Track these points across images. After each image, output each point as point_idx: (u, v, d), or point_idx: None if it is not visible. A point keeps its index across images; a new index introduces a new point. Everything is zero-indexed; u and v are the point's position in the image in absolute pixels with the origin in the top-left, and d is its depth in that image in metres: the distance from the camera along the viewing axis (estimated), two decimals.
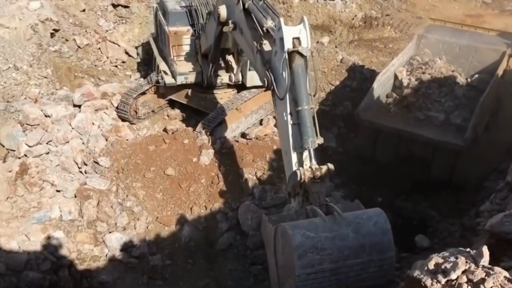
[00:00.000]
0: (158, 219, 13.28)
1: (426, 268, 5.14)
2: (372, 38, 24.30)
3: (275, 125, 16.10)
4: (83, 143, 14.74)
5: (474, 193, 14.86)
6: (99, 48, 20.26)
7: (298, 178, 7.97)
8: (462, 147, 15.31)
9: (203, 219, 13.33)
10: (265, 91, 10.00)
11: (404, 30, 24.77)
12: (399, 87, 18.34)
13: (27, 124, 14.44)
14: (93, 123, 15.46)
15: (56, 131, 14.52)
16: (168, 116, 17.94)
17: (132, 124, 16.82)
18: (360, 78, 20.33)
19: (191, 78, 16.51)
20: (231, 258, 12.77)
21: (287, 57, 8.28)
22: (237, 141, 15.31)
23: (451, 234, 13.20)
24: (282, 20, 8.59)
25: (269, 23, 9.37)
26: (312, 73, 9.21)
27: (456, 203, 15.03)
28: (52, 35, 18.69)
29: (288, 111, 8.48)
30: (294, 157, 8.48)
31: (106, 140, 15.05)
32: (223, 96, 17.23)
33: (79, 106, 16.03)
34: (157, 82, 17.15)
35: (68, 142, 14.50)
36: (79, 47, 19.55)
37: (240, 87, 17.05)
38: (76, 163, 14.18)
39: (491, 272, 4.79)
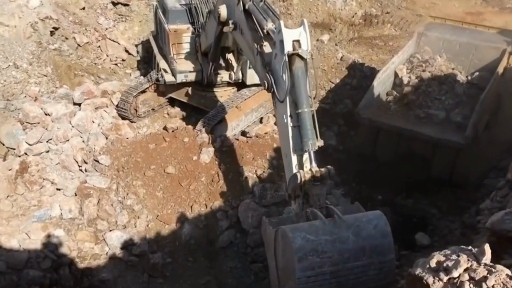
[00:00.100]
0: (158, 217, 13.29)
1: (428, 266, 5.14)
2: (372, 36, 24.27)
3: (275, 123, 16.09)
4: (83, 142, 14.74)
5: (474, 191, 14.87)
6: (99, 46, 20.25)
7: (298, 181, 7.96)
8: (463, 145, 15.32)
9: (204, 217, 13.34)
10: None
11: (404, 28, 24.72)
12: (399, 85, 18.34)
13: (27, 122, 14.43)
14: (93, 121, 15.45)
15: (56, 130, 14.52)
16: (168, 114, 17.94)
17: (132, 122, 16.82)
18: (360, 76, 20.32)
19: (191, 76, 16.50)
20: (231, 256, 12.77)
21: (287, 59, 8.28)
22: (237, 139, 15.31)
23: (451, 232, 13.21)
24: (282, 22, 8.57)
25: (269, 25, 9.34)
26: (312, 71, 9.19)
27: (456, 201, 15.05)
28: (52, 33, 18.67)
29: (288, 113, 8.47)
30: (294, 159, 8.48)
31: (106, 138, 15.04)
32: (223, 94, 17.21)
33: (79, 104, 16.02)
34: (157, 80, 17.14)
35: (68, 140, 14.50)
36: (79, 45, 19.54)
37: (240, 85, 17.04)
38: (76, 162, 14.18)
39: (493, 270, 4.79)
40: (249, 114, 16.76)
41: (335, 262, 6.52)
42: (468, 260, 4.95)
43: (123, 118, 16.70)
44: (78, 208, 13.11)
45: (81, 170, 14.17)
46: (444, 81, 17.78)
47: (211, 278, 12.41)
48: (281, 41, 8.36)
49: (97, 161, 14.16)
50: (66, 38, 19.21)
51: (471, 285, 4.75)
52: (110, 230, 12.88)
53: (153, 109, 17.70)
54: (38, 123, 14.49)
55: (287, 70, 8.27)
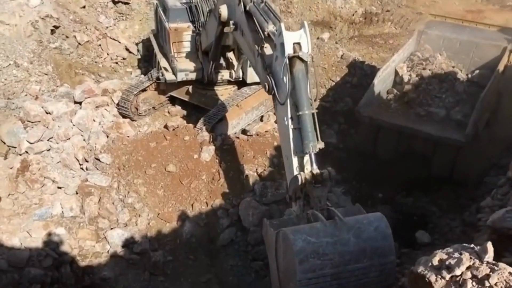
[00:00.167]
0: (159, 215, 13.31)
1: (430, 264, 5.15)
2: (373, 34, 24.29)
3: (275, 122, 16.09)
4: (84, 140, 14.75)
5: (474, 189, 14.89)
6: (100, 45, 20.25)
7: (299, 183, 7.97)
8: (463, 143, 15.33)
9: (204, 215, 13.36)
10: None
11: (404, 26, 24.74)
12: (399, 83, 18.35)
13: (28, 121, 14.43)
14: (94, 120, 15.46)
15: (57, 128, 14.53)
16: (169, 112, 17.94)
17: (133, 120, 16.82)
18: (360, 74, 20.33)
19: (192, 75, 16.49)
20: (232, 254, 12.79)
21: (287, 62, 8.29)
22: (237, 138, 15.32)
23: (452, 230, 13.24)
24: (283, 25, 8.57)
25: (270, 28, 9.33)
26: (312, 69, 9.19)
27: (457, 199, 15.07)
28: (52, 32, 18.67)
29: (289, 115, 8.48)
30: (295, 161, 8.49)
31: (107, 136, 15.06)
32: (223, 92, 17.20)
33: (80, 103, 16.02)
34: (158, 78, 17.12)
35: (69, 139, 14.51)
36: (79, 43, 19.54)
37: (241, 83, 17.03)
38: (77, 160, 14.20)
39: (496, 268, 4.79)
40: (250, 113, 16.76)
41: (336, 264, 6.53)
42: (471, 258, 4.95)
43: (124, 116, 16.71)
44: (79, 206, 13.13)
45: (82, 168, 14.20)
46: (445, 79, 17.79)
47: (212, 276, 12.43)
48: (282, 44, 8.36)
49: (98, 159, 14.18)
50: (67, 37, 19.21)
51: (474, 283, 4.75)
52: (111, 228, 12.90)
53: (153, 108, 17.69)
54: (39, 121, 14.48)
55: (287, 72, 8.27)
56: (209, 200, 13.58)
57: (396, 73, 18.53)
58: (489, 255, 5.03)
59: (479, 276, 4.80)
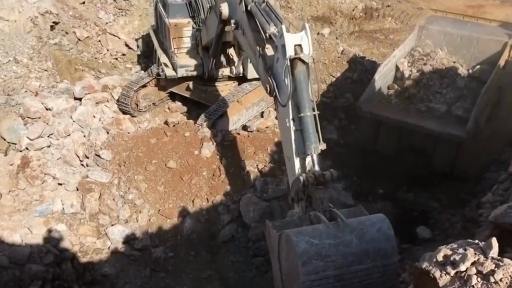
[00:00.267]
0: (160, 211, 13.31)
1: (434, 260, 5.13)
2: (373, 29, 24.21)
3: (276, 117, 16.07)
4: (84, 136, 14.73)
5: (475, 184, 14.88)
6: (99, 41, 20.20)
7: (302, 184, 7.96)
8: (464, 138, 15.33)
9: (205, 212, 13.36)
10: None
11: (405, 21, 24.67)
12: (400, 79, 18.33)
13: (28, 117, 14.41)
14: (94, 116, 15.43)
15: (57, 124, 14.51)
16: (169, 108, 17.90)
17: (133, 117, 16.79)
18: (361, 69, 20.28)
19: (192, 71, 16.45)
20: (233, 250, 12.81)
21: (289, 64, 8.26)
22: (238, 134, 15.30)
23: (453, 225, 13.23)
24: (284, 27, 8.53)
25: (271, 29, 9.29)
26: (314, 65, 9.15)
27: (457, 194, 15.06)
28: (52, 27, 18.63)
29: (291, 117, 8.46)
30: (297, 162, 8.47)
31: (107, 133, 15.03)
32: (224, 88, 17.17)
33: (80, 99, 16.00)
34: (158, 74, 17.10)
35: (69, 135, 14.49)
36: (79, 39, 19.49)
37: (241, 79, 17.00)
38: (78, 156, 14.18)
39: (501, 263, 4.78)
40: (250, 108, 16.73)
41: (339, 266, 6.53)
42: (475, 253, 4.94)
43: (124, 112, 16.68)
44: (79, 202, 13.13)
45: (82, 164, 14.18)
46: (445, 74, 17.77)
47: (213, 272, 12.45)
48: (283, 46, 8.34)
49: (98, 155, 14.16)
50: (66, 33, 19.16)
51: (479, 279, 4.74)
52: (112, 225, 12.91)
53: (154, 104, 17.66)
54: (39, 118, 14.46)
55: (289, 74, 8.25)
56: (210, 196, 13.57)
57: (397, 68, 18.50)
58: (494, 251, 5.02)
59: (484, 272, 4.79)
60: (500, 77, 17.51)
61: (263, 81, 9.72)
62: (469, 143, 15.52)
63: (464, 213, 13.40)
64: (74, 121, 14.90)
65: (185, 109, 17.74)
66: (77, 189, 13.42)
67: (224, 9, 12.23)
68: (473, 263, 4.89)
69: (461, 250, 5.03)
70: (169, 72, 16.57)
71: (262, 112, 17.30)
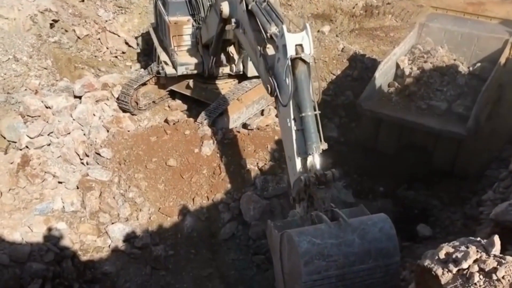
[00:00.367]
0: (160, 210, 13.31)
1: (436, 257, 5.12)
2: (373, 27, 24.16)
3: (276, 115, 16.05)
4: (84, 135, 14.72)
5: (475, 182, 14.88)
6: (99, 39, 20.16)
7: (303, 184, 7.95)
8: (464, 136, 15.31)
9: (205, 210, 13.36)
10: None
11: (405, 19, 24.62)
12: (400, 76, 18.30)
13: (28, 115, 14.40)
14: (94, 114, 15.41)
15: (57, 123, 14.49)
16: (169, 107, 17.88)
17: (133, 115, 16.77)
18: (361, 67, 20.25)
19: (192, 69, 16.42)
20: (233, 248, 12.82)
21: (290, 64, 8.25)
22: (238, 132, 15.29)
23: (453, 223, 13.24)
24: (285, 27, 8.50)
25: (272, 29, 9.25)
26: (315, 68, 9.13)
27: (458, 192, 15.06)
28: (51, 25, 18.58)
29: (292, 117, 8.43)
30: (298, 162, 8.43)
31: (108, 131, 15.02)
32: (224, 86, 17.15)
33: (80, 97, 15.97)
34: (158, 72, 17.05)
35: (69, 133, 14.48)
36: (78, 37, 19.46)
37: (241, 77, 16.98)
38: (78, 155, 14.18)
39: (503, 261, 4.78)
40: (250, 106, 16.71)
41: (341, 266, 6.52)
42: (478, 251, 4.93)
43: (124, 111, 16.66)
44: (80, 201, 13.13)
45: (82, 163, 14.17)
46: (446, 72, 17.74)
47: (213, 270, 12.46)
48: (284, 46, 8.31)
49: (98, 154, 14.16)
50: (66, 31, 19.12)
51: (481, 276, 4.73)
52: (112, 223, 12.91)
53: (154, 102, 17.64)
54: (39, 116, 14.45)
55: (290, 74, 8.23)
56: (210, 194, 13.57)
57: (397, 66, 18.47)
58: (496, 248, 5.00)
59: (486, 270, 4.78)
60: (500, 74, 17.49)
61: (264, 81, 9.70)
62: (470, 141, 15.50)
63: (464, 211, 13.40)
64: (74, 119, 14.89)
65: (185, 107, 17.72)
66: (77, 188, 13.42)
67: (225, 8, 12.18)
68: (475, 261, 4.88)
69: (463, 248, 5.02)
70: (169, 70, 16.53)
71: (262, 110, 17.28)
